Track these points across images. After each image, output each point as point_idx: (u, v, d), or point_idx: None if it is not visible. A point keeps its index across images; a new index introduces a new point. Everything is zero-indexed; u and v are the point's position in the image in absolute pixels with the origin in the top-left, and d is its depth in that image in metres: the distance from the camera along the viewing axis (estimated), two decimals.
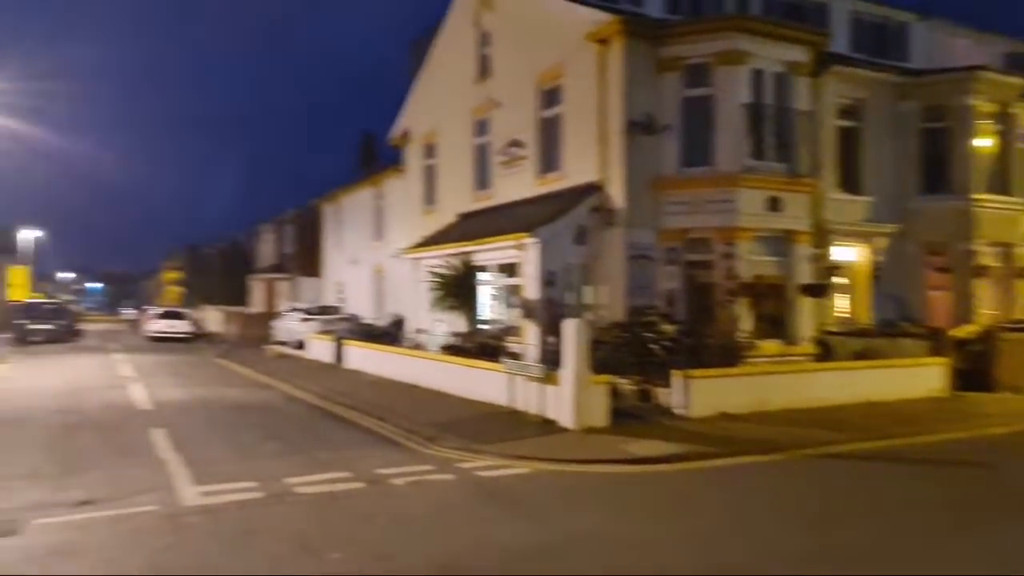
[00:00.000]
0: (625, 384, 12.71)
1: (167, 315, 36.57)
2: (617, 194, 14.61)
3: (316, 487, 7.87)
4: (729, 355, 13.17)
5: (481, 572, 5.48)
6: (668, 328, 13.18)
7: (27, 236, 56.04)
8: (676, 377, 11.97)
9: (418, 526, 6.75)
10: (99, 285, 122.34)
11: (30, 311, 33.69)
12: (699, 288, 14.84)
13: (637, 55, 14.57)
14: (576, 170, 15.58)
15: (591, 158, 15.03)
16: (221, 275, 46.10)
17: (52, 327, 32.04)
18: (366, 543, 6.21)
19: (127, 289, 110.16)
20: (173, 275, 69.92)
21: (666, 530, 6.75)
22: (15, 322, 32.93)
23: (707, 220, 14.66)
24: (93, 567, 5.51)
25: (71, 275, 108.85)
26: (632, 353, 12.91)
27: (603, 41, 14.70)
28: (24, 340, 30.54)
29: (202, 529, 6.47)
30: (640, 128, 14.41)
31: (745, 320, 14.41)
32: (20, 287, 49.17)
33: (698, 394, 11.89)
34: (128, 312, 64.36)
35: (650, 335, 12.94)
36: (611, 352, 12.87)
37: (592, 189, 14.91)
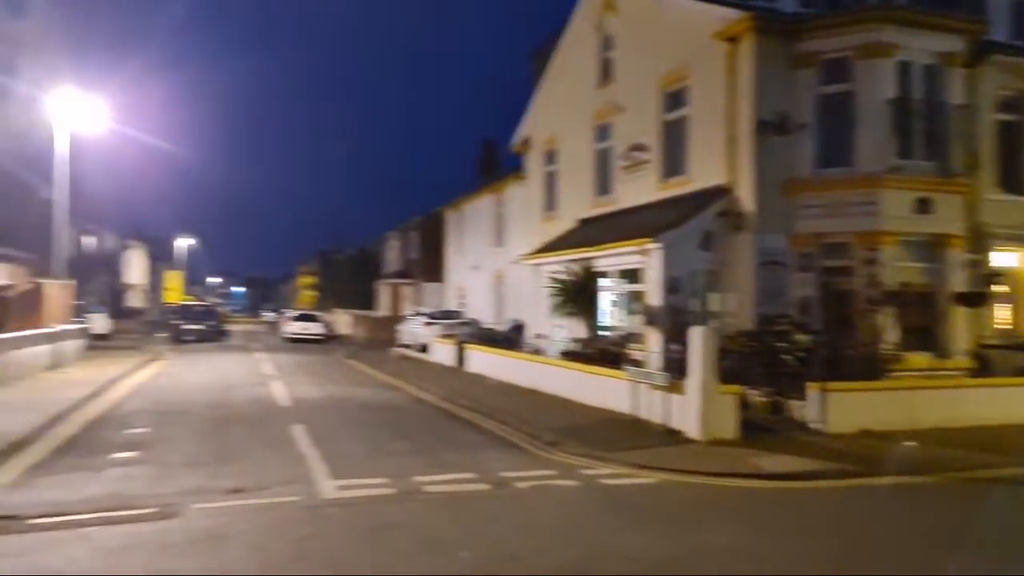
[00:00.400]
0: (755, 395, 12.18)
1: (302, 318, 38.75)
2: (746, 197, 14.05)
3: (443, 487, 8.03)
4: (871, 368, 12.32)
5: None
6: (802, 338, 12.51)
7: (181, 244, 61.47)
8: (812, 389, 11.33)
9: (544, 530, 6.74)
10: (242, 289, 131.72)
11: (183, 313, 36.75)
12: (836, 296, 13.99)
13: (768, 52, 13.97)
14: (702, 173, 15.13)
15: (718, 161, 14.55)
16: (351, 280, 48.42)
17: (202, 327, 34.72)
18: (493, 544, 6.26)
19: (266, 293, 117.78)
20: (307, 280, 74.17)
21: (805, 549, 6.37)
22: (171, 323, 36.02)
23: (846, 224, 13.80)
24: (243, 550, 5.87)
25: (218, 279, 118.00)
26: (762, 363, 12.35)
27: (732, 39, 14.20)
28: (178, 339, 33.31)
29: (339, 521, 6.76)
30: (772, 128, 13.79)
31: (889, 331, 13.42)
32: (175, 291, 53.87)
33: (836, 408, 11.19)
34: (268, 315, 68.81)
35: (782, 345, 12.32)
36: (738, 362, 12.38)
37: (719, 193, 14.43)
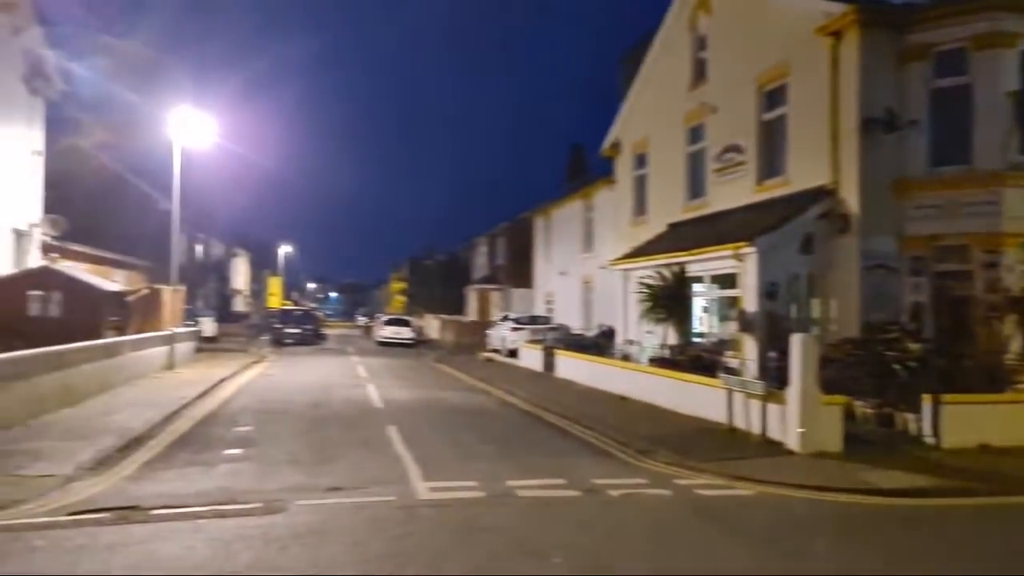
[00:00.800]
0: (861, 407, 11.58)
1: (393, 322, 39.77)
2: (851, 198, 13.39)
3: (533, 491, 8.03)
4: (993, 379, 11.47)
5: None
6: (914, 346, 11.78)
7: (282, 251, 64.45)
8: (926, 401, 10.65)
9: (636, 539, 6.62)
10: (336, 294, 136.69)
11: (283, 317, 38.46)
12: (952, 302, 13.11)
13: (875, 46, 13.28)
14: (802, 174, 14.54)
15: (820, 161, 13.93)
16: (441, 285, 49.37)
17: (301, 331, 36.22)
18: (585, 551, 6.19)
19: (360, 298, 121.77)
20: (399, 285, 76.15)
21: (924, 573, 5.96)
22: (273, 326, 37.75)
23: (963, 225, 12.92)
24: (343, 546, 6.05)
25: (314, 285, 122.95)
26: (868, 373, 11.71)
27: (835, 34, 13.58)
28: (279, 342, 34.86)
29: (433, 522, 6.87)
30: (879, 125, 13.08)
31: (1015, 340, 12.44)
32: (276, 296, 56.47)
33: (952, 422, 10.48)
34: (361, 319, 71.08)
35: (892, 353, 11.64)
36: (841, 371, 11.79)
37: (821, 194, 13.81)
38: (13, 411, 10.71)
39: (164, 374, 18.69)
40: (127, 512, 6.88)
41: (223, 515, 6.88)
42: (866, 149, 13.21)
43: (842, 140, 13.51)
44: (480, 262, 47.44)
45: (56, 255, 20.88)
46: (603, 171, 26.13)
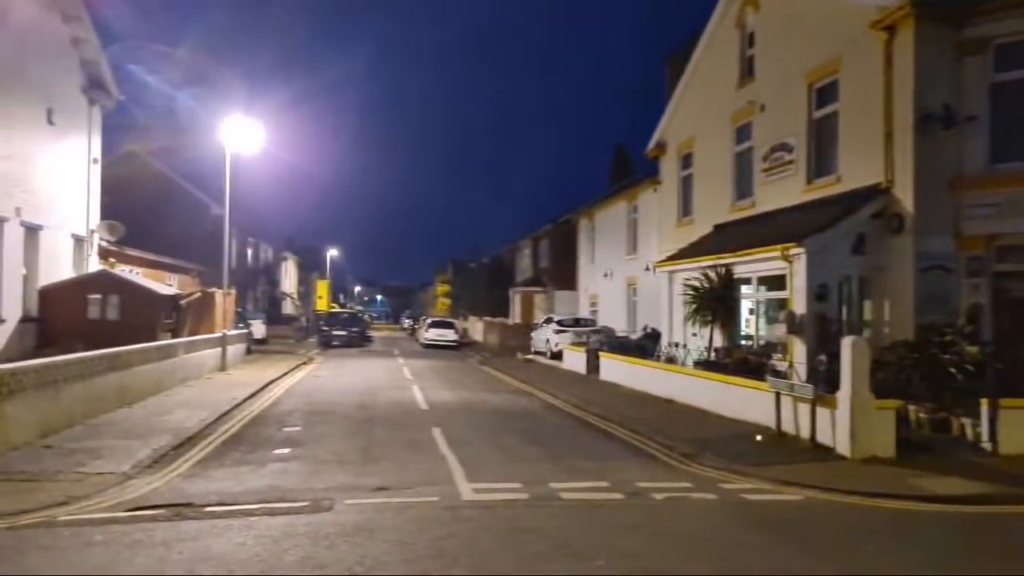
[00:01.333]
0: (915, 411, 11.23)
1: (437, 324, 40.12)
2: (905, 197, 13.00)
3: (577, 494, 8.01)
4: None
5: None
6: (970, 349, 11.39)
7: (329, 254, 65.60)
8: (984, 406, 10.28)
9: (681, 544, 6.55)
10: (382, 297, 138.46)
11: (331, 319, 39.17)
12: (1012, 303, 12.63)
13: (931, 40, 12.86)
14: (853, 173, 14.18)
15: (872, 159, 13.56)
16: (484, 288, 49.52)
17: (348, 333, 36.82)
18: (629, 554, 6.15)
19: (405, 300, 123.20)
20: (443, 288, 76.73)
21: None
22: (321, 328, 38.45)
23: None
24: (389, 544, 6.13)
25: (360, 287, 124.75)
26: (923, 377, 11.37)
27: (889, 28, 13.20)
28: (327, 344, 35.49)
29: (476, 522, 6.91)
30: (936, 122, 12.66)
31: None
32: (324, 299, 57.49)
33: (1011, 427, 10.13)
34: (406, 321, 71.91)
35: (948, 356, 11.27)
36: (895, 374, 11.47)
37: (873, 193, 13.44)
38: (74, 410, 11.16)
39: (216, 375, 19.21)
40: (181, 509, 7.10)
41: (273, 513, 7.05)
42: (922, 146, 12.81)
43: (896, 137, 13.13)
44: (524, 264, 47.47)
45: (113, 259, 21.66)
46: (648, 172, 25.94)
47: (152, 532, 6.41)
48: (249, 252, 43.26)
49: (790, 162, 16.20)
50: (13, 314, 15.75)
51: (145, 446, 9.79)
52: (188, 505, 7.23)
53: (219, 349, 20.31)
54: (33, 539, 6.21)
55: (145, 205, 28.64)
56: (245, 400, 14.81)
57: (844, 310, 13.74)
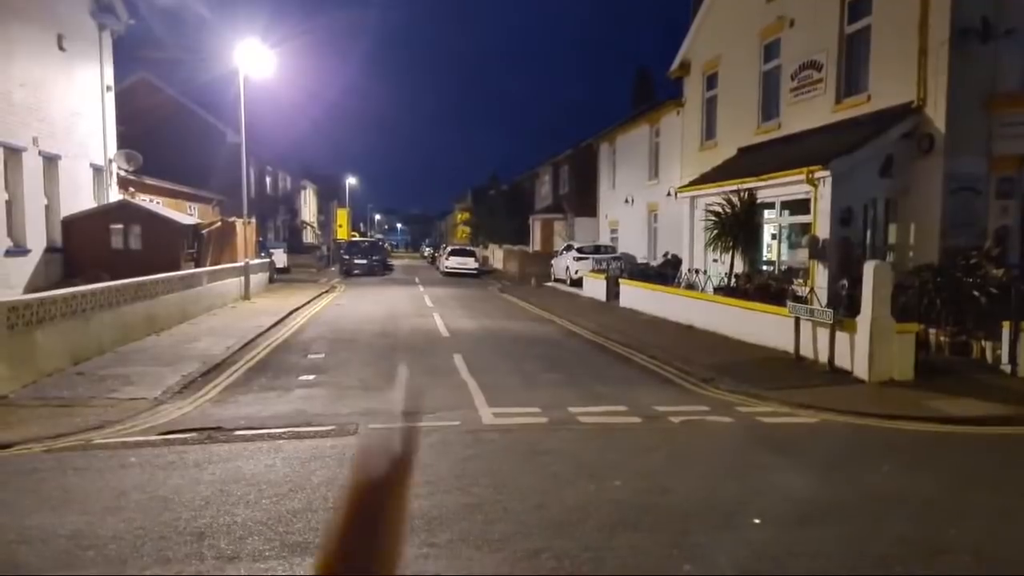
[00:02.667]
0: (937, 334, 11.18)
1: (458, 253, 40.11)
2: (937, 116, 12.55)
3: (595, 418, 8.15)
4: None
5: (769, 520, 5.24)
6: (996, 272, 11.21)
7: (347, 183, 65.36)
8: (1005, 329, 10.19)
9: (698, 465, 6.68)
10: (402, 225, 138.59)
11: (351, 248, 39.27)
12: None
13: None
14: (884, 91, 13.67)
15: (905, 76, 13.04)
16: (504, 215, 49.18)
17: (369, 262, 36.98)
18: (645, 475, 6.29)
19: (425, 229, 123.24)
20: (463, 216, 76.45)
21: (997, 501, 5.83)
22: (342, 257, 38.67)
23: None
24: (412, 467, 6.31)
25: (380, 216, 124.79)
26: (945, 300, 11.25)
27: None
28: (348, 273, 35.75)
29: (497, 445, 7.09)
30: (972, 36, 12.09)
31: None
32: (343, 227, 57.62)
33: None
34: (426, 249, 72.16)
35: (972, 280, 11.12)
36: (917, 298, 11.36)
37: (905, 112, 12.99)
38: (103, 338, 11.45)
39: (240, 304, 19.52)
40: (212, 432, 7.34)
41: (299, 436, 7.27)
42: (957, 62, 12.28)
43: (931, 53, 12.57)
44: (543, 191, 46.98)
45: (133, 189, 21.75)
46: (671, 95, 25.20)
47: (184, 454, 6.65)
48: (268, 181, 43.17)
49: (819, 81, 15.64)
50: (38, 244, 15.99)
51: (174, 373, 10.06)
52: (218, 429, 7.47)
53: (242, 278, 20.57)
54: (70, 461, 6.48)
55: (161, 134, 28.49)
56: (269, 328, 15.08)
57: (868, 234, 13.52)
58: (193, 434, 7.29)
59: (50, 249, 16.52)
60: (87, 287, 11.34)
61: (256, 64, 20.76)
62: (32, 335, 9.39)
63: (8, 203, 14.98)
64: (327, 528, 0.48)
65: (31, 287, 14.77)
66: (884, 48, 13.77)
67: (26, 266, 15.51)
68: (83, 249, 17.08)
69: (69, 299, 10.47)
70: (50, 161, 16.51)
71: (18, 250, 15.22)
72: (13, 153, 15.01)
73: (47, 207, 16.60)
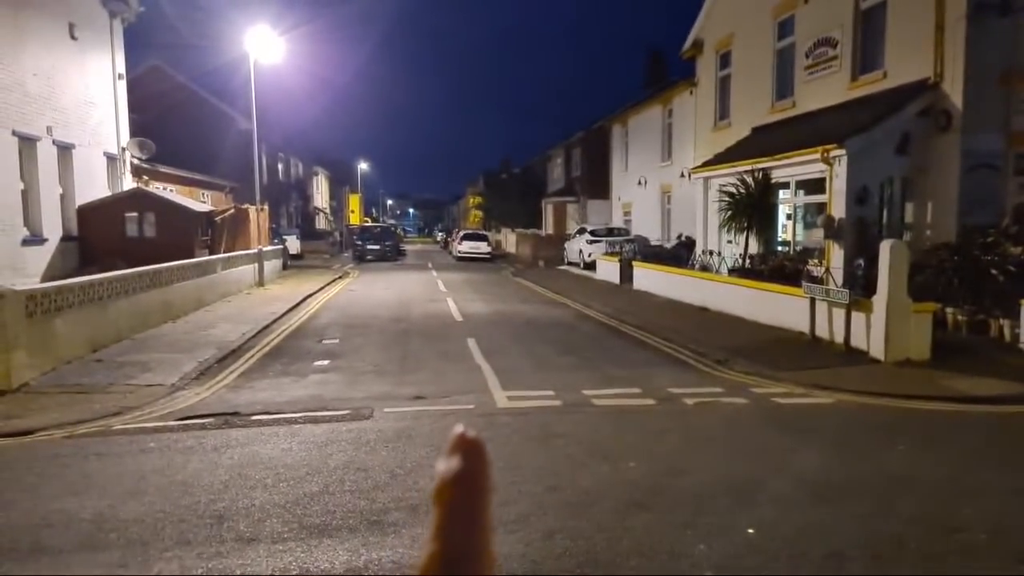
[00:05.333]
0: (953, 314, 11.07)
1: (470, 237, 40.07)
2: (954, 92, 12.35)
3: (609, 400, 8.16)
4: None
5: (783, 500, 5.24)
6: (1014, 250, 11.07)
7: (359, 168, 65.38)
8: (1023, 306, 10.08)
9: (712, 446, 6.68)
10: (414, 210, 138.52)
11: (363, 233, 39.34)
12: None
13: None
14: (900, 68, 13.45)
15: (922, 52, 12.82)
16: (517, 199, 48.98)
17: (381, 247, 37.03)
18: (659, 457, 6.30)
19: (437, 213, 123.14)
20: (475, 200, 76.25)
21: (1013, 480, 5.77)
22: (354, 243, 38.76)
23: None
24: (427, 449, 6.37)
25: (392, 201, 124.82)
26: (963, 279, 11.13)
27: None
28: (360, 258, 35.85)
29: (512, 428, 7.11)
30: (990, 10, 11.86)
31: None
32: (355, 213, 57.68)
33: None
34: (439, 234, 72.15)
35: (989, 258, 10.99)
36: (934, 277, 11.25)
37: (921, 88, 12.79)
38: (120, 325, 11.58)
39: (254, 290, 19.65)
40: (229, 418, 7.42)
41: (315, 421, 7.33)
42: (974, 37, 12.05)
43: (948, 27, 12.34)
44: (556, 174, 46.76)
45: (146, 177, 21.85)
46: (683, 75, 24.94)
47: (203, 439, 6.74)
48: (280, 167, 43.24)
49: (834, 58, 15.41)
50: (54, 233, 16.14)
51: (191, 359, 10.16)
52: (235, 414, 7.55)
53: (256, 265, 20.69)
54: (91, 446, 6.58)
55: (173, 122, 28.56)
56: (284, 314, 15.17)
57: (885, 213, 13.37)
58: (211, 419, 7.37)
59: (66, 238, 16.67)
60: (104, 275, 11.45)
61: (267, 50, 20.74)
62: (51, 323, 9.51)
63: (24, 192, 15.11)
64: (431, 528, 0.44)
65: (48, 276, 14.93)
66: (900, 24, 13.54)
67: (43, 255, 15.67)
68: (98, 238, 17.22)
69: (86, 287, 10.58)
70: (64, 150, 16.62)
71: (35, 239, 15.37)
72: (28, 143, 15.12)
73: (62, 196, 16.73)
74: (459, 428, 0.43)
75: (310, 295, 18.90)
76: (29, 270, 14.84)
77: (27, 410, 7.69)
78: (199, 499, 5.22)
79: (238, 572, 4.11)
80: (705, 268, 17.62)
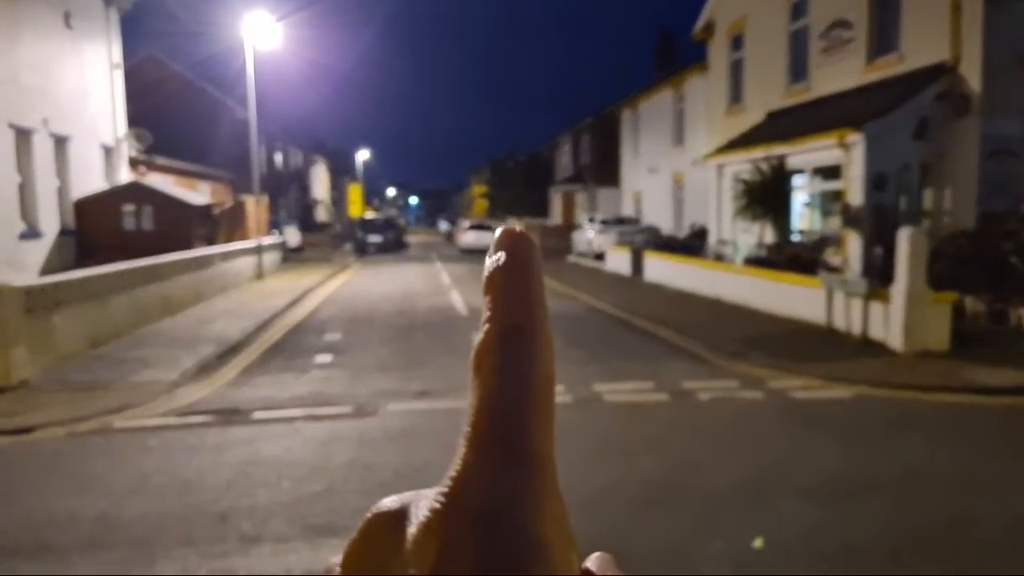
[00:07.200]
0: (973, 303, 10.77)
1: (476, 228, 39.64)
2: (972, 75, 11.99)
3: (621, 395, 7.91)
4: None
5: (801, 493, 5.00)
6: None
7: (360, 157, 64.88)
8: None
9: (727, 441, 6.44)
10: (417, 200, 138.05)
11: (365, 225, 39.02)
12: None
13: None
14: (918, 50, 13.08)
15: (939, 34, 12.45)
16: (523, 187, 48.53)
17: (383, 239, 36.71)
18: (673, 451, 6.10)
19: (441, 203, 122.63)
20: (480, 189, 75.77)
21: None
22: (356, 235, 38.46)
23: None
24: (433, 446, 6.11)
25: (394, 191, 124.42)
26: (982, 267, 10.82)
27: None
28: (363, 251, 35.58)
29: None
30: None
31: None
32: (356, 204, 57.32)
33: None
34: (443, 225, 71.58)
35: (1009, 245, 10.68)
36: (953, 266, 10.93)
37: (938, 71, 12.43)
38: (119, 321, 11.34)
39: (254, 284, 19.41)
40: (230, 415, 7.20)
41: (318, 418, 7.10)
42: (993, 17, 11.70)
43: (965, 9, 11.98)
44: (563, 161, 46.21)
45: (144, 169, 21.57)
46: (695, 58, 24.44)
47: (204, 437, 6.53)
48: (278, 158, 42.88)
49: (849, 40, 15.03)
50: (51, 227, 15.89)
51: (190, 355, 9.92)
52: (236, 412, 7.32)
53: (255, 258, 20.44)
54: (93, 444, 6.41)
55: (169, 113, 28.19)
56: (284, 308, 14.93)
57: (903, 200, 13.04)
58: (211, 417, 7.15)
59: (63, 232, 16.42)
60: (101, 269, 11.21)
61: (265, 37, 20.41)
62: (50, 318, 9.28)
63: (20, 186, 14.86)
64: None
65: (46, 270, 14.69)
66: (916, 4, 13.16)
67: (40, 249, 15.43)
68: (96, 231, 16.96)
69: (85, 281, 10.35)
70: (60, 142, 16.34)
71: (32, 233, 15.12)
72: (23, 135, 14.85)
73: (59, 189, 16.47)
74: (508, 223, 0.37)
75: (311, 289, 18.65)
76: (27, 265, 14.60)
77: (27, 407, 7.50)
78: (202, 498, 5.12)
79: (242, 572, 4.04)
80: (719, 258, 17.29)
